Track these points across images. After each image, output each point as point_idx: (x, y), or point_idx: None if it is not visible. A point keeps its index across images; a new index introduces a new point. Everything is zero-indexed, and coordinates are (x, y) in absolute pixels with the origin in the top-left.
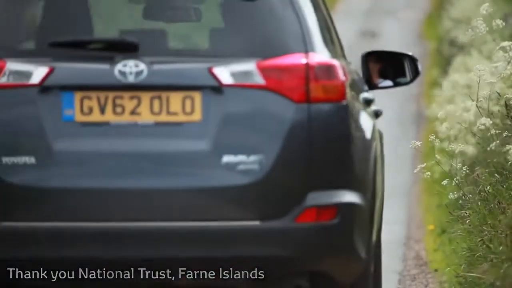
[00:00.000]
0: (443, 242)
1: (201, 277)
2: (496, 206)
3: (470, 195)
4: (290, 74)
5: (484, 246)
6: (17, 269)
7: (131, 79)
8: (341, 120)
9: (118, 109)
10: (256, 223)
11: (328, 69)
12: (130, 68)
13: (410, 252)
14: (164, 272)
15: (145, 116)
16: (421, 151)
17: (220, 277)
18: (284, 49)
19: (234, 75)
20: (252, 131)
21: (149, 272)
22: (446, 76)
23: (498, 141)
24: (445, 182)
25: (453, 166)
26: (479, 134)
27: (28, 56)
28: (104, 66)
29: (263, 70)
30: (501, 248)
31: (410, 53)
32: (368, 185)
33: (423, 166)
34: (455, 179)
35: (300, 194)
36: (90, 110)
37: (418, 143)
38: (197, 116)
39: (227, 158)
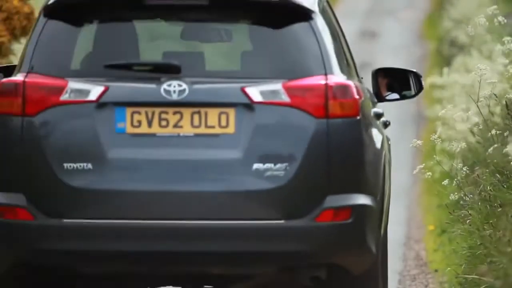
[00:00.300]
0: (443, 242)
1: (232, 268)
2: (497, 206)
3: (471, 195)
4: (311, 93)
5: (485, 246)
6: (75, 260)
7: (174, 97)
8: (355, 133)
9: (163, 123)
10: (281, 222)
11: (344, 89)
12: (174, 87)
13: (410, 252)
14: (200, 264)
15: (186, 129)
16: (422, 150)
17: (249, 268)
18: (306, 72)
19: (263, 93)
20: (278, 142)
21: (187, 263)
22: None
23: (499, 144)
24: (445, 182)
25: (454, 166)
26: (479, 134)
27: (85, 76)
28: (152, 85)
29: (288, 90)
30: (501, 248)
31: (414, 70)
32: (378, 189)
33: (422, 166)
34: (455, 179)
35: (319, 197)
36: (139, 123)
37: (419, 142)
38: (231, 129)
39: (256, 166)
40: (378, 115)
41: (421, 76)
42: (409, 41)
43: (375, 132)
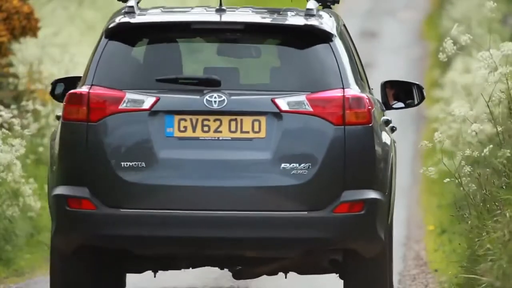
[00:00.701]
0: (443, 242)
1: (263, 251)
2: (496, 206)
3: (472, 195)
4: (330, 104)
5: (484, 246)
6: (130, 243)
7: (215, 106)
8: (368, 138)
9: (205, 128)
10: (305, 213)
11: (359, 101)
12: (214, 98)
13: (410, 252)
14: (236, 248)
15: (225, 134)
16: (422, 150)
17: (277, 252)
18: (326, 85)
19: (289, 104)
20: (302, 145)
21: (225, 247)
22: (446, 76)
23: (504, 143)
24: (448, 180)
25: (457, 165)
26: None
27: (140, 88)
28: (196, 97)
29: (311, 101)
30: (500, 248)
31: (417, 82)
32: (386, 185)
33: (428, 164)
34: (459, 178)
35: (337, 192)
36: (185, 128)
37: (427, 143)
38: (262, 134)
39: (283, 165)
40: (387, 122)
41: (423, 88)
42: (409, 41)
43: (384, 137)
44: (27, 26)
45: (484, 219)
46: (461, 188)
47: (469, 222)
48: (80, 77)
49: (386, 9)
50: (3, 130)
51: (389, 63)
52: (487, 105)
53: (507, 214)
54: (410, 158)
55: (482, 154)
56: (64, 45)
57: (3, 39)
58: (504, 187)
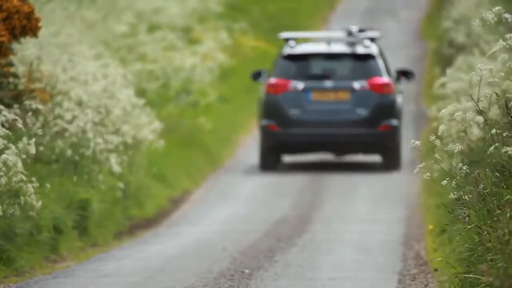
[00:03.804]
0: (443, 242)
1: (348, 145)
2: (496, 206)
3: (470, 195)
4: (377, 84)
5: (484, 245)
6: (294, 143)
7: (328, 86)
8: (392, 98)
9: (325, 96)
10: (365, 129)
11: (388, 83)
12: (328, 83)
13: (410, 252)
14: (337, 143)
15: (332, 98)
16: (421, 150)
17: (354, 145)
18: (375, 75)
19: (359, 84)
20: (364, 102)
21: (334, 144)
22: (445, 75)
23: (500, 143)
24: (444, 182)
25: (453, 165)
26: (479, 133)
27: (297, 79)
28: (320, 83)
29: (368, 83)
30: (500, 248)
31: (412, 70)
32: (399, 117)
33: (422, 166)
34: (455, 179)
35: (380, 121)
36: (316, 95)
37: (417, 142)
38: (347, 98)
39: (358, 111)
40: (400, 91)
41: (414, 72)
42: (409, 41)
43: (398, 98)
44: (27, 26)
45: (484, 219)
46: (459, 189)
47: (469, 221)
48: (260, 72)
49: (386, 9)
50: (5, 130)
51: (389, 63)
52: (477, 104)
53: (508, 214)
54: (410, 157)
55: (488, 152)
56: (64, 45)
57: (3, 38)
58: (504, 186)
